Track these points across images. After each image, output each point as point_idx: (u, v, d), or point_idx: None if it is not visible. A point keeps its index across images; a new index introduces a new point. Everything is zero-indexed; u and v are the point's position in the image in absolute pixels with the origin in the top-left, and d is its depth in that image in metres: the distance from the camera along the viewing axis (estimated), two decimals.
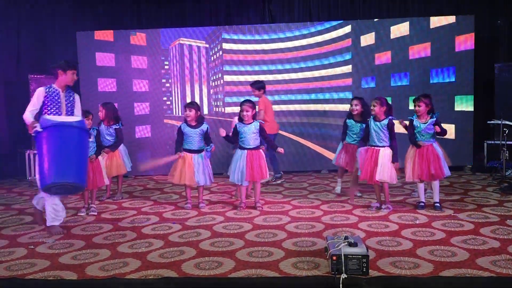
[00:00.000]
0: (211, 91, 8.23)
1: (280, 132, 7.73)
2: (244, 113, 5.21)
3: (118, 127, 5.92)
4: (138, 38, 8.03)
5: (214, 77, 8.21)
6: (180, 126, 5.38)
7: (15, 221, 5.04)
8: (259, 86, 6.83)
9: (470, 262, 3.41)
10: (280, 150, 5.30)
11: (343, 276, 3.08)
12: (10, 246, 4.14)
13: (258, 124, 5.27)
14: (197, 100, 8.01)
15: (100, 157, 5.32)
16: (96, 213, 5.23)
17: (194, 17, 8.55)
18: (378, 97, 5.14)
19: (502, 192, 5.85)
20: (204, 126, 5.38)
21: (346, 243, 3.25)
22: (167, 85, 8.19)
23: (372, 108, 5.06)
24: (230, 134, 5.34)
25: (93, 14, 8.51)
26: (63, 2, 8.43)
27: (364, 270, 3.15)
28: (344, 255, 3.14)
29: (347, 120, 5.76)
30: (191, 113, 5.32)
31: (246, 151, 5.22)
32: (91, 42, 7.98)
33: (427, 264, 3.40)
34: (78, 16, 8.49)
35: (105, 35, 8.02)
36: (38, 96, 4.37)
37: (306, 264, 3.46)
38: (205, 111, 8.14)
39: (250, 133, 5.20)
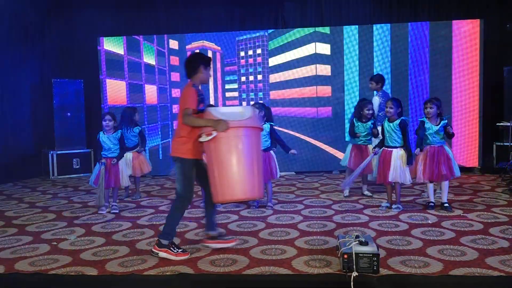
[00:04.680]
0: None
1: (293, 133, 7.73)
2: None
3: (140, 129, 6.07)
4: (174, 60, 8.34)
5: None
6: None
7: (39, 219, 5.10)
8: None
9: (479, 262, 3.36)
10: (293, 151, 5.29)
11: (354, 274, 3.06)
12: (34, 242, 4.20)
13: (269, 126, 5.23)
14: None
15: (121, 160, 5.36)
16: (117, 211, 5.27)
17: (210, 23, 8.58)
18: (395, 98, 5.11)
19: (511, 192, 5.75)
20: None
21: (357, 242, 3.22)
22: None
23: (388, 110, 4.98)
24: None
25: (113, 20, 8.59)
26: (84, 9, 8.54)
27: (375, 269, 3.12)
28: (355, 253, 3.12)
29: (354, 122, 5.72)
30: None
31: None
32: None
33: (436, 263, 3.36)
34: (99, 22, 8.58)
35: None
36: None
37: (318, 262, 3.44)
38: None
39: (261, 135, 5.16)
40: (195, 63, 3.69)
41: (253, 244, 3.92)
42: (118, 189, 5.53)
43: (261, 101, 6.60)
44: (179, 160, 3.63)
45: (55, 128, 8.17)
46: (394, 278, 3.12)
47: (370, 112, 5.64)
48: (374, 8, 8.28)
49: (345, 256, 3.14)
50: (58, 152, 8.11)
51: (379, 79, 6.22)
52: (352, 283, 3.00)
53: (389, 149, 4.99)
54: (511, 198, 5.47)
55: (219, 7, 8.58)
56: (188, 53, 8.18)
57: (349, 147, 5.83)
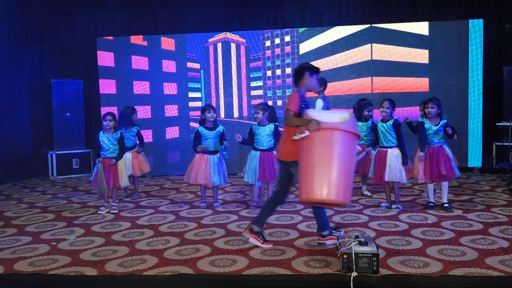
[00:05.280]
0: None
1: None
2: (255, 115, 5.26)
3: (138, 129, 6.09)
4: (168, 43, 7.87)
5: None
6: (198, 129, 5.39)
7: (38, 219, 5.10)
8: None
9: (479, 262, 3.36)
10: None
11: (354, 274, 3.07)
12: (33, 242, 4.19)
13: (273, 126, 5.27)
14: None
15: (120, 160, 5.37)
16: (117, 211, 5.28)
17: (209, 23, 8.58)
18: (390, 99, 5.12)
19: (510, 192, 5.76)
20: (220, 128, 5.41)
21: (356, 242, 3.22)
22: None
23: (385, 110, 5.00)
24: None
25: (112, 20, 8.61)
26: (83, 9, 8.54)
27: (375, 269, 3.13)
28: (354, 253, 3.12)
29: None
30: (215, 115, 5.35)
31: (259, 152, 5.23)
32: (127, 46, 7.79)
33: (436, 263, 3.36)
34: (98, 22, 8.60)
35: (139, 40, 7.71)
36: None
37: (318, 262, 3.45)
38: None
39: (265, 135, 5.21)
40: (301, 70, 3.86)
41: (253, 245, 3.92)
42: (117, 189, 5.53)
43: (265, 102, 6.59)
44: (287, 163, 3.75)
45: (55, 128, 8.16)
46: (393, 278, 3.13)
47: (370, 114, 5.67)
48: (373, 8, 8.28)
49: (345, 256, 3.14)
50: (58, 152, 8.11)
51: (323, 83, 6.28)
52: (351, 283, 3.00)
53: (384, 149, 5.01)
54: (510, 198, 5.47)
55: (218, 7, 8.57)
56: (211, 47, 7.86)
57: None
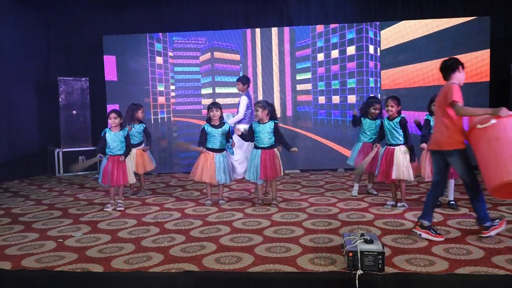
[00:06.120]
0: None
1: (297, 130, 7.68)
2: (255, 112, 5.26)
3: (145, 126, 6.11)
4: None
5: None
6: (204, 126, 5.40)
7: (45, 216, 5.13)
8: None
9: (485, 260, 3.34)
10: (294, 149, 5.26)
11: (359, 272, 3.06)
12: (40, 239, 4.22)
13: (273, 124, 5.25)
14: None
15: (127, 157, 5.39)
16: (123, 208, 5.30)
17: (214, 21, 8.58)
18: (395, 97, 5.09)
19: None
20: (226, 126, 5.41)
21: (362, 240, 3.21)
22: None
23: (389, 108, 4.98)
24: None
25: (117, 19, 8.63)
26: (88, 8, 8.57)
27: (380, 267, 3.12)
28: (360, 251, 3.12)
29: (362, 119, 5.70)
30: (218, 113, 5.35)
31: (260, 150, 5.22)
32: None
33: (442, 261, 3.35)
34: (103, 21, 8.62)
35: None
36: None
37: (323, 260, 3.44)
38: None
39: (265, 133, 5.19)
40: (455, 64, 3.88)
41: (258, 242, 3.92)
42: (123, 187, 5.55)
43: (266, 100, 6.56)
44: (456, 152, 3.82)
45: (61, 126, 8.21)
46: (399, 276, 3.12)
47: (377, 112, 5.62)
48: (378, 5, 8.25)
49: (350, 254, 3.13)
50: (64, 149, 8.15)
51: (246, 81, 6.31)
52: (357, 281, 3.00)
53: (391, 147, 4.99)
54: None
55: (223, 5, 8.57)
56: (248, 32, 7.22)
57: (358, 145, 5.80)
